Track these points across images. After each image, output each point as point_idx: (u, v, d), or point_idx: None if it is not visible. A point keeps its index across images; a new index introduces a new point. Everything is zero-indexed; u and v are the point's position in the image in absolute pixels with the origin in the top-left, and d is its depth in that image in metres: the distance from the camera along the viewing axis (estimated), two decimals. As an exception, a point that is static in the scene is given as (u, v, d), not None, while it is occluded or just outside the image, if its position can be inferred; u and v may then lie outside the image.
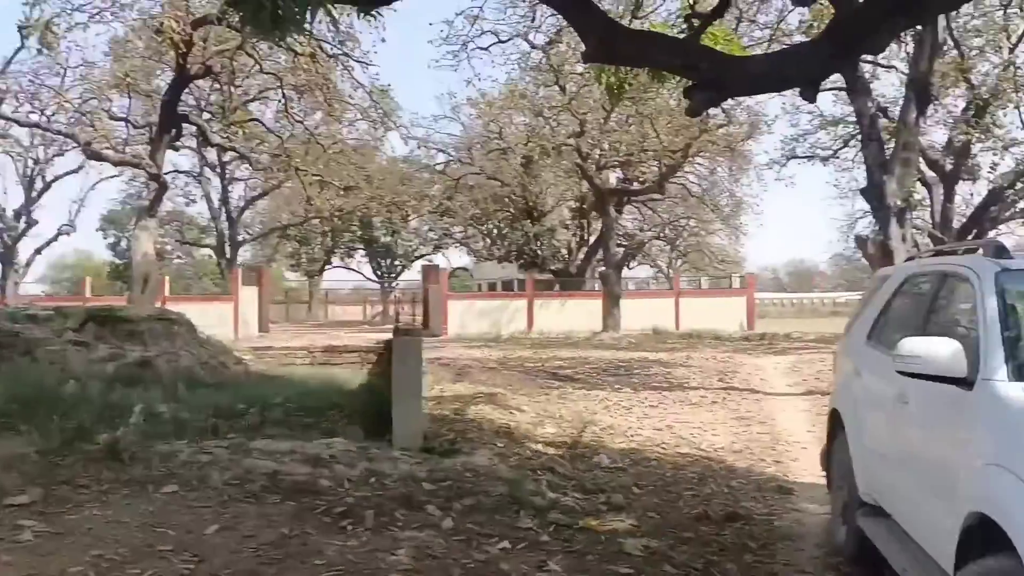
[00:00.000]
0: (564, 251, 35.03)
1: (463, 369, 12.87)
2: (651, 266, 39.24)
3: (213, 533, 4.95)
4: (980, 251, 4.28)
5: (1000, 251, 4.07)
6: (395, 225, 43.12)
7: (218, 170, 39.22)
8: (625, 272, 39.71)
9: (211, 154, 35.22)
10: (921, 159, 24.55)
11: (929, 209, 26.48)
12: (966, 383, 3.52)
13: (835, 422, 5.71)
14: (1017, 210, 25.87)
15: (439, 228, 41.42)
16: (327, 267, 50.99)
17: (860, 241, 13.90)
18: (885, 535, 4.56)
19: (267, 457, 6.35)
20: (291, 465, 6.21)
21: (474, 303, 31.45)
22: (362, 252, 50.62)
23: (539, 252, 33.25)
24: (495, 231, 36.09)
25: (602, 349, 23.08)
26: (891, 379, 4.31)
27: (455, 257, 47.51)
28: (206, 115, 25.27)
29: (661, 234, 34.70)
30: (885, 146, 13.60)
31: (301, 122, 24.72)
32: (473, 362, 17.82)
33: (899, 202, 12.89)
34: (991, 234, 25.16)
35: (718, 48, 7.51)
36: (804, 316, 46.04)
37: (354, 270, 52.64)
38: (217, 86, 23.25)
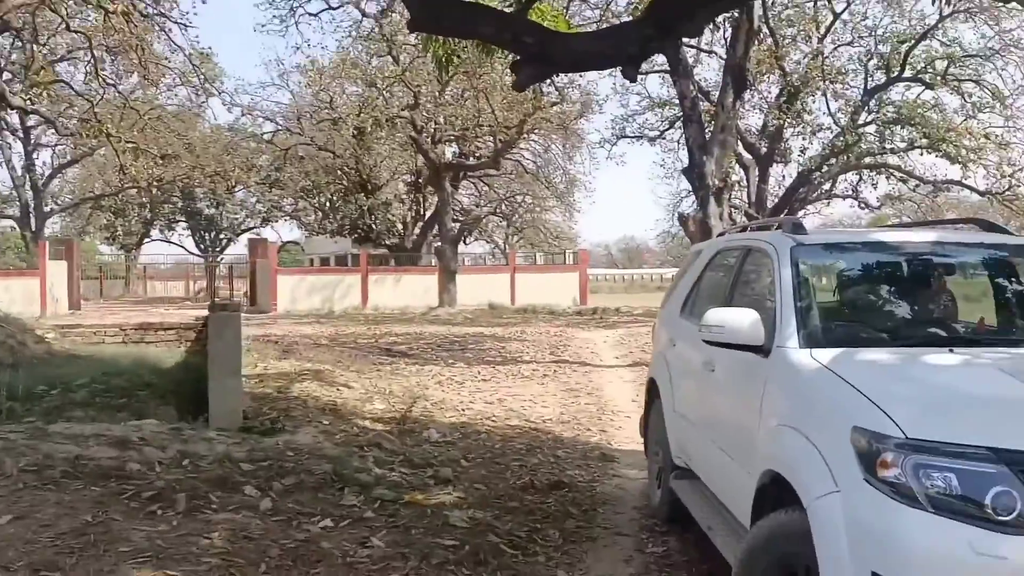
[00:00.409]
0: (399, 225, 34.70)
1: (290, 346, 12.50)
2: (487, 242, 39.59)
3: (6, 524, 4.55)
4: (779, 227, 4.54)
5: (797, 228, 4.34)
6: (220, 196, 41.28)
7: (20, 135, 36.04)
8: (461, 248, 39.86)
9: (13, 117, 32.29)
10: (739, 142, 26.05)
11: (746, 190, 28.17)
12: (763, 351, 3.73)
13: (652, 391, 5.94)
14: (823, 191, 27.96)
15: (267, 200, 40.00)
16: (146, 240, 48.13)
17: (682, 219, 14.56)
18: (694, 496, 4.80)
19: (69, 441, 5.91)
20: (96, 449, 5.80)
21: (305, 278, 30.63)
22: (184, 225, 48.13)
23: (373, 226, 32.77)
24: (327, 204, 35.24)
25: (437, 324, 23.12)
26: (700, 348, 4.52)
27: (285, 231, 46.13)
28: (6, 75, 23.11)
29: (497, 210, 35.03)
30: (705, 128, 14.25)
31: (113, 85, 23.06)
32: (303, 339, 17.38)
33: (717, 182, 13.57)
34: (799, 214, 27.09)
35: (545, 24, 7.58)
36: (634, 291, 48.05)
37: (175, 243, 50.00)
38: (19, 44, 21.29)
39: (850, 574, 2.66)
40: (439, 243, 28.57)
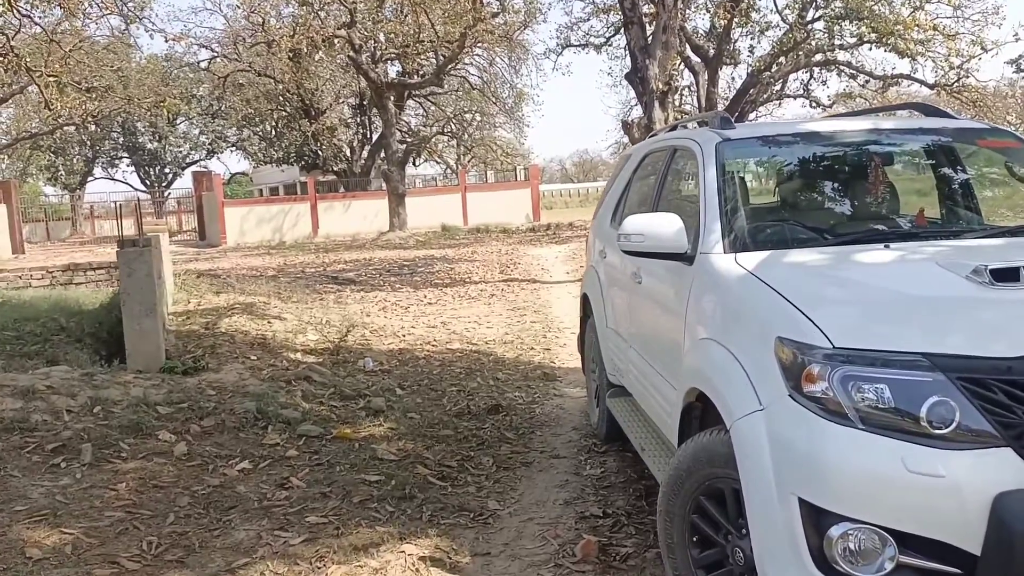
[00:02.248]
0: (347, 150, 33.75)
1: (228, 280, 12.04)
2: (438, 162, 38.75)
3: None
4: (707, 124, 4.20)
5: (724, 122, 3.99)
6: (161, 130, 39.84)
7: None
8: (413, 170, 39.12)
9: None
10: (687, 45, 25.46)
11: (696, 94, 27.71)
12: (687, 258, 3.43)
13: (585, 306, 5.66)
14: (773, 92, 27.57)
15: (211, 131, 38.69)
16: (89, 179, 46.51)
17: (626, 126, 14.15)
18: (627, 415, 4.58)
19: (-32, 395, 5.51)
20: (-3, 402, 5.42)
21: (253, 209, 29.83)
22: (127, 161, 46.54)
23: (320, 153, 31.87)
24: (272, 132, 34.09)
25: (388, 249, 22.70)
26: (630, 259, 4.22)
27: (233, 162, 44.82)
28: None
29: (445, 129, 34.11)
30: (648, 30, 13.72)
31: (29, 16, 21.65)
32: (251, 271, 16.91)
33: (661, 85, 13.14)
34: (751, 116, 26.73)
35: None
36: (589, 205, 47.65)
37: (120, 181, 48.45)
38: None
39: (774, 499, 2.42)
40: (387, 166, 27.84)
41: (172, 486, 4.46)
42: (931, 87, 24.68)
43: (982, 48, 22.62)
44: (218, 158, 42.98)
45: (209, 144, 41.34)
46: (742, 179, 3.78)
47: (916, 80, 25.09)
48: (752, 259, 3.12)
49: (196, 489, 4.44)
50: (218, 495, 4.39)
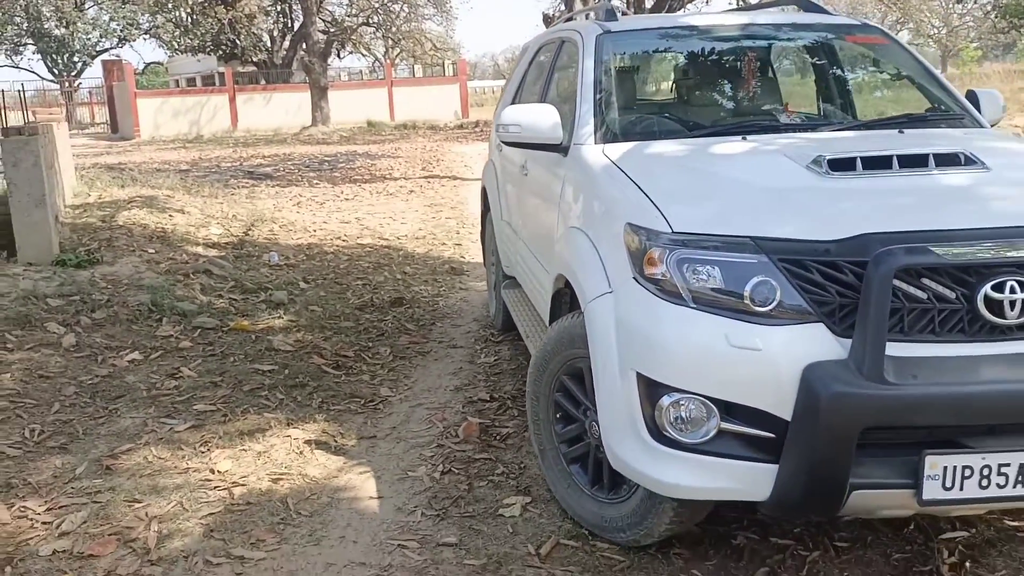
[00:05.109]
0: (266, 40, 32.43)
1: (133, 173, 11.69)
2: (364, 55, 37.54)
3: None
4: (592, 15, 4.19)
5: (609, 15, 4.00)
6: (68, 15, 37.55)
7: None
8: (338, 63, 37.88)
9: None
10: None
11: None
12: (563, 149, 3.49)
13: (485, 199, 5.70)
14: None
15: (121, 17, 36.62)
16: (-8, 66, 43.76)
17: (546, 18, 13.91)
18: (517, 304, 4.70)
19: None
20: None
21: (168, 100, 28.68)
22: (32, 48, 43.85)
23: (238, 42, 30.55)
24: (187, 19, 32.44)
25: (310, 144, 22.22)
26: (519, 152, 4.26)
27: (148, 51, 42.63)
28: None
29: (370, 20, 32.91)
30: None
31: None
32: (164, 164, 16.40)
33: (582, -22, 12.89)
34: (679, 12, 26.39)
35: None
36: (520, 102, 46.95)
37: (27, 70, 45.75)
38: None
39: (616, 375, 2.57)
40: (308, 58, 26.91)
41: (58, 376, 4.45)
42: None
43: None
44: (131, 46, 40.95)
45: (120, 31, 39.07)
46: (620, 71, 3.81)
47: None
48: (618, 150, 3.19)
49: (83, 379, 4.44)
50: (106, 385, 4.41)
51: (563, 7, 12.76)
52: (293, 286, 6.50)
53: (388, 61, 34.42)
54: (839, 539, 2.91)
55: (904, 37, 58.23)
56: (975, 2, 42.04)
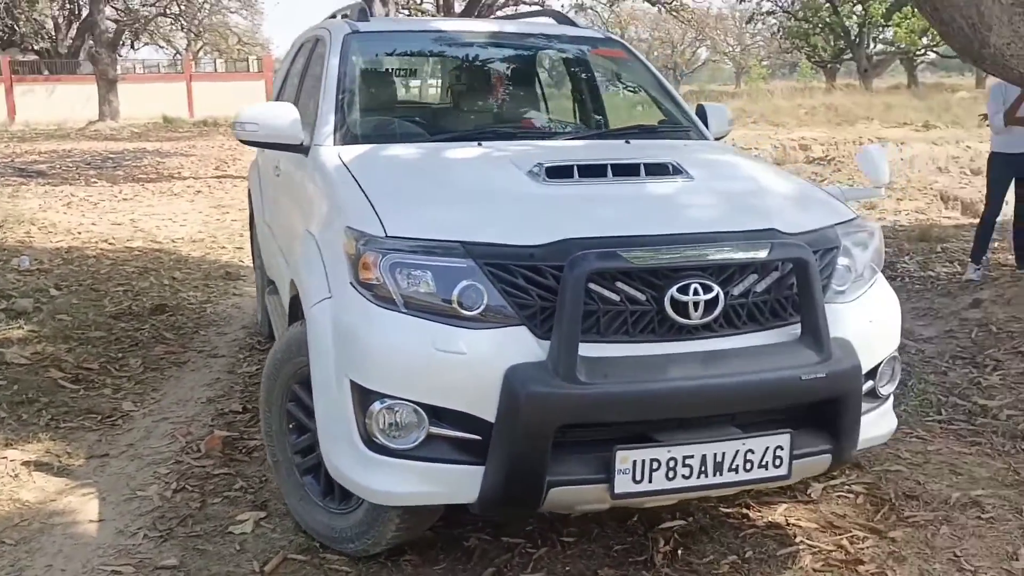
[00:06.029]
0: (50, 27, 29.99)
1: None
2: (162, 46, 35.57)
3: None
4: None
5: (361, 15, 3.95)
6: None
7: None
8: (133, 55, 35.67)
9: None
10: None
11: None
12: (304, 149, 3.39)
13: (251, 200, 5.49)
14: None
15: None
16: None
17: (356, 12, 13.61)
18: (275, 310, 4.54)
19: None
20: None
21: (-69, 90, 25.89)
22: None
23: (16, 28, 28.06)
24: (-44, 0, 29.45)
25: (96, 140, 20.74)
26: (273, 152, 4.11)
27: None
28: None
29: (167, 10, 31.16)
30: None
31: None
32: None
33: (380, -21, 12.75)
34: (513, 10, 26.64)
35: None
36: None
37: None
38: None
39: (333, 383, 2.50)
40: (95, 48, 25.13)
41: None
42: (653, 4, 26.03)
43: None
44: None
45: None
46: (367, 72, 3.76)
47: (641, -4, 26.35)
48: (353, 152, 3.14)
49: None
50: None
51: (362, 4, 12.52)
52: (42, 293, 5.99)
53: (190, 54, 32.76)
54: (567, 534, 2.99)
55: (703, 54, 62.22)
56: (763, 24, 45.61)
